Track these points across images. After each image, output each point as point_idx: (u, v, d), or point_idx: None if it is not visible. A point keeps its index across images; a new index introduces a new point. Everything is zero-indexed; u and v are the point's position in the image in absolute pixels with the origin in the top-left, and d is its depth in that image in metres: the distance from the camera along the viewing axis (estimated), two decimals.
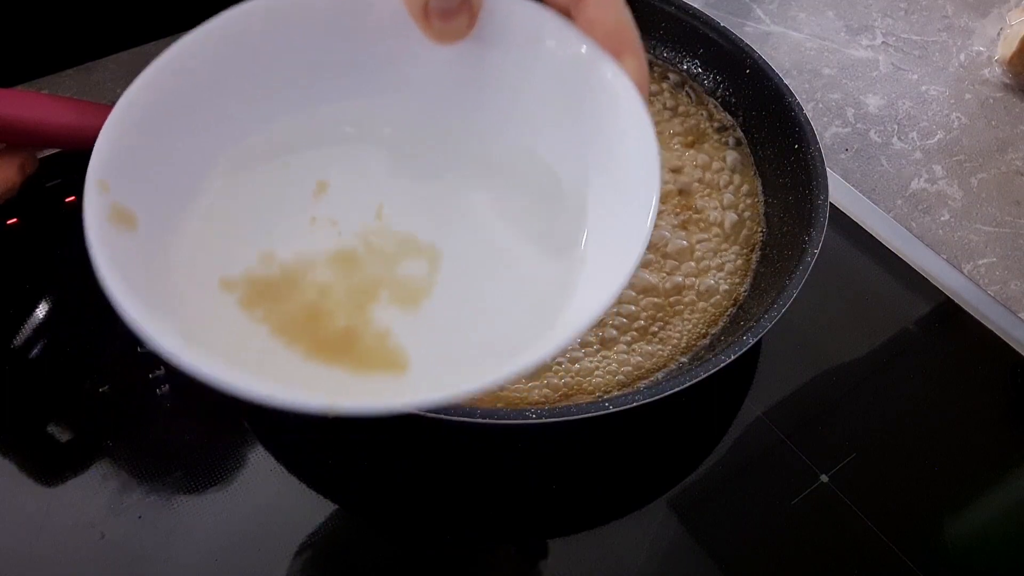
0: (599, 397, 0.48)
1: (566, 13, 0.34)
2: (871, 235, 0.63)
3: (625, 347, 0.50)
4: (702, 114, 0.63)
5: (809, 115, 0.56)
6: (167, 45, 0.33)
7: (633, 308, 0.52)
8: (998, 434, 0.54)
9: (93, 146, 0.31)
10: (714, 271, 0.54)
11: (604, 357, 0.50)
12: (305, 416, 0.25)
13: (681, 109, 0.64)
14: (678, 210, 0.58)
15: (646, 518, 0.48)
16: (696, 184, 0.59)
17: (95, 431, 0.48)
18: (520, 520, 0.48)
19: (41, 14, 0.67)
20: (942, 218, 0.66)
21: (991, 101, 0.76)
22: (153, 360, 0.51)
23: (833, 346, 0.57)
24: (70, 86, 0.66)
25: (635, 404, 0.43)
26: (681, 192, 0.59)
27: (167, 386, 0.50)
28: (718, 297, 0.53)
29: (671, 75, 0.65)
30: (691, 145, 0.62)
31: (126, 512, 0.46)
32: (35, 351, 0.51)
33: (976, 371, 0.57)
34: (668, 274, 0.54)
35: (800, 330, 0.56)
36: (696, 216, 0.57)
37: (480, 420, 0.42)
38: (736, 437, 0.51)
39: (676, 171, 0.60)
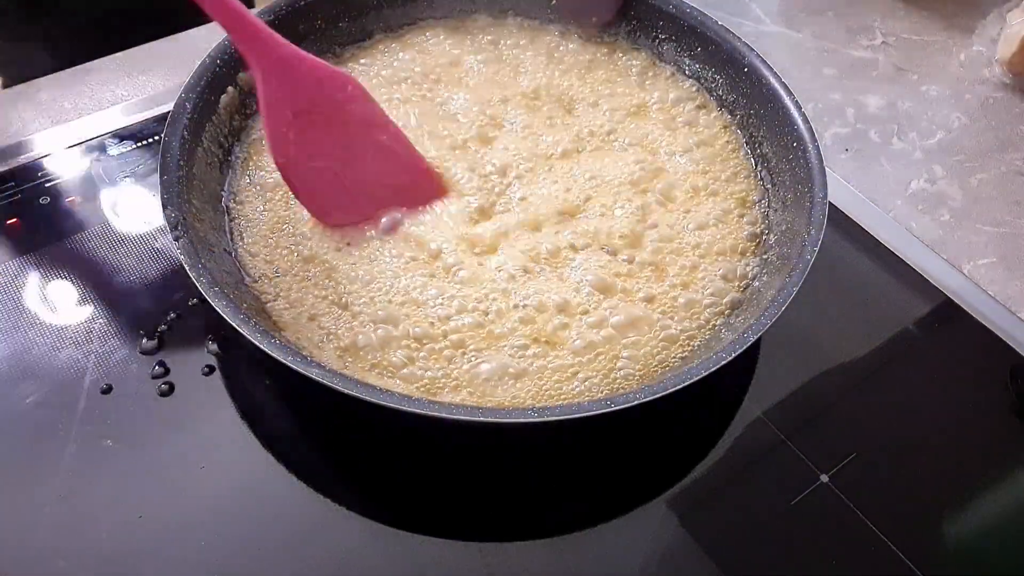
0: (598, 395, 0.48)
1: None
2: (871, 235, 0.63)
3: (625, 348, 0.50)
4: None
5: (809, 115, 0.56)
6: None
7: (633, 308, 0.52)
8: (998, 434, 0.54)
9: None
10: (713, 269, 0.54)
11: (602, 356, 0.50)
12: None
13: None
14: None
15: (646, 518, 0.48)
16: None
17: (96, 429, 0.48)
18: (520, 520, 0.48)
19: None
20: (942, 218, 0.66)
21: (991, 101, 0.76)
22: (153, 360, 0.51)
23: (833, 346, 0.57)
24: (70, 86, 0.66)
25: (635, 403, 0.43)
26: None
27: (167, 386, 0.50)
28: (718, 295, 0.53)
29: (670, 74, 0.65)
30: None
31: (126, 511, 0.46)
32: (35, 350, 0.51)
33: (976, 371, 0.57)
34: (668, 273, 0.54)
35: (800, 330, 0.56)
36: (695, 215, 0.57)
37: (481, 419, 0.42)
38: (736, 437, 0.51)
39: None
